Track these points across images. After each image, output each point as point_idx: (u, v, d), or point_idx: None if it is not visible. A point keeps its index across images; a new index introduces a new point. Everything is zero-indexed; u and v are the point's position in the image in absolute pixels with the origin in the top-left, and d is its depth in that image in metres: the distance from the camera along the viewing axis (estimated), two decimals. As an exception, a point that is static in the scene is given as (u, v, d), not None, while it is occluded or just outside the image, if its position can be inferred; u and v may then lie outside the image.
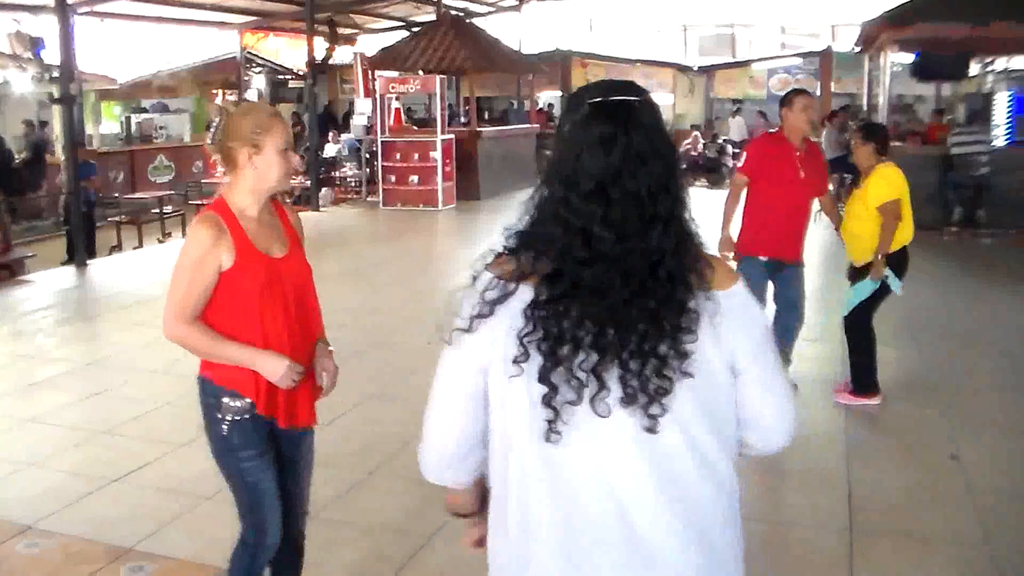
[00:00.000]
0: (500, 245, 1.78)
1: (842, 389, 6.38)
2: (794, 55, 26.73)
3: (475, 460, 1.82)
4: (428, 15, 21.48)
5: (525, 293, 1.67)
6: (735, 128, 23.45)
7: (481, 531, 1.92)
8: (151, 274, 11.31)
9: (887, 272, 5.94)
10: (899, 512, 4.75)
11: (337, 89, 26.83)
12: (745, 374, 1.75)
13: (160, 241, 14.48)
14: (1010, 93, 16.50)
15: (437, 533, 4.27)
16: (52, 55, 14.85)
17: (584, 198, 1.65)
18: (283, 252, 3.06)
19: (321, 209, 16.98)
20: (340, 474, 5.04)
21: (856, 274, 6.18)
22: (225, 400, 2.98)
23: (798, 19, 27.94)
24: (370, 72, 19.19)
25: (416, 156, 17.03)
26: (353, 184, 19.16)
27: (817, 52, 25.20)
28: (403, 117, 18.71)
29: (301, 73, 24.32)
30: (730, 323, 1.72)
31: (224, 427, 3.00)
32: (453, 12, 20.81)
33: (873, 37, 15.24)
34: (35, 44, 16.39)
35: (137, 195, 16.33)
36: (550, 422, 1.64)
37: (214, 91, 23.69)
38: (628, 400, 1.64)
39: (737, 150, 18.70)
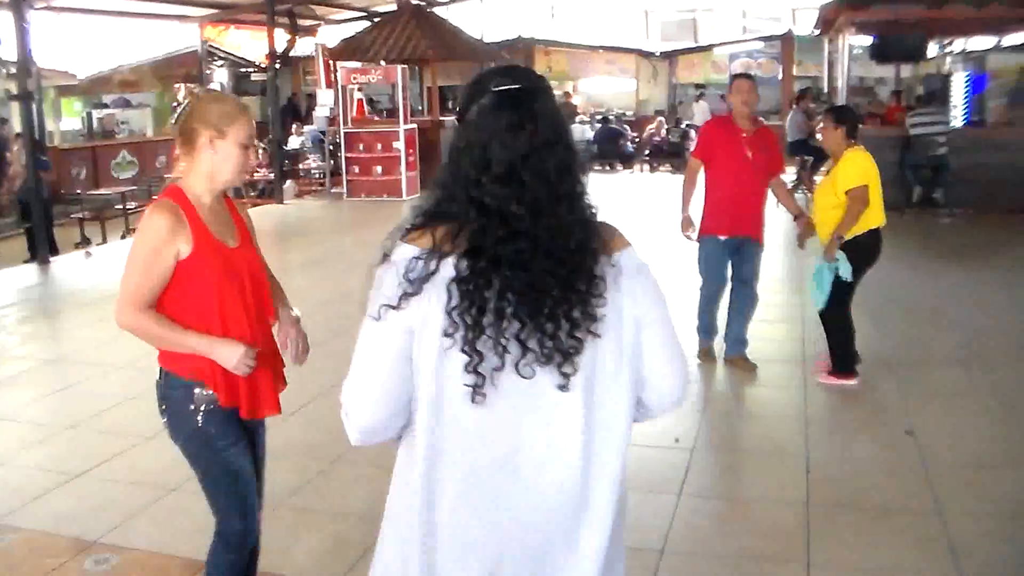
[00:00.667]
0: (408, 222, 1.87)
1: (822, 369, 6.45)
2: (756, 39, 26.80)
3: (400, 423, 1.89)
4: (389, 5, 21.39)
5: (446, 269, 1.76)
6: (699, 113, 23.49)
7: None
8: (114, 271, 11.25)
9: (839, 255, 6.00)
10: (856, 486, 4.85)
11: (300, 81, 26.70)
12: (646, 329, 1.88)
13: (123, 237, 14.34)
14: (967, 74, 16.74)
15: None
16: (8, 51, 14.66)
17: (497, 180, 1.77)
18: (236, 243, 3.06)
19: (285, 202, 16.95)
20: (304, 463, 5.08)
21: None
22: (197, 391, 2.94)
23: (759, 3, 28.04)
24: (332, 63, 19.12)
25: (379, 146, 17.04)
26: (317, 176, 19.08)
27: (778, 36, 25.29)
28: (366, 108, 18.67)
29: (263, 66, 24.22)
30: (629, 281, 1.86)
31: (199, 419, 2.96)
32: (414, 1, 20.73)
33: (831, 19, 15.41)
34: (-11, 40, 16.17)
35: (100, 191, 16.17)
36: (476, 386, 1.76)
37: (176, 85, 23.49)
38: (545, 360, 1.77)
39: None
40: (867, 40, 16.36)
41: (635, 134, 23.88)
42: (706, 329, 6.80)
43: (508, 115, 1.79)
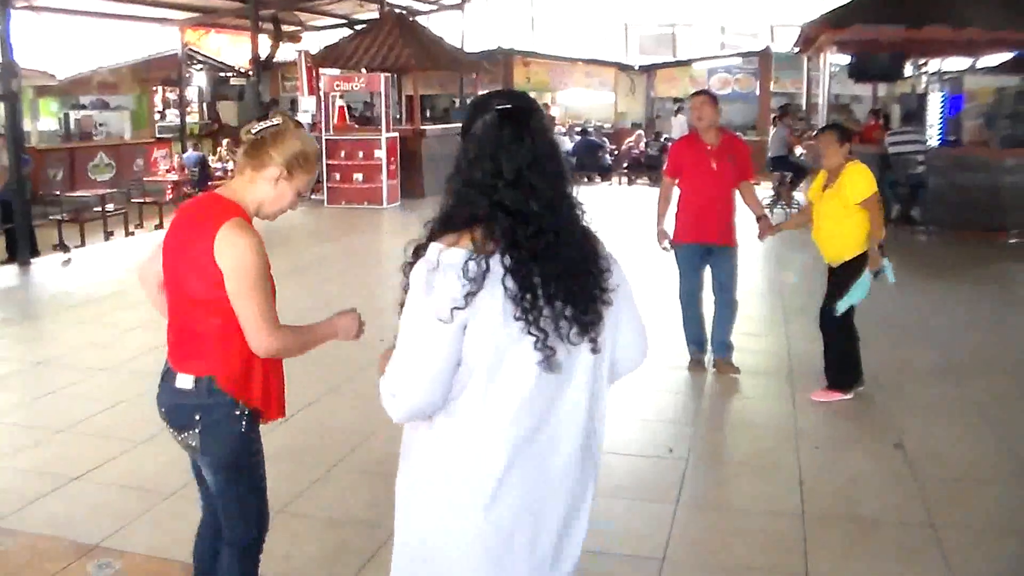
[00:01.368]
0: (433, 225, 2.13)
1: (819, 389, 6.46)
2: (734, 55, 27.02)
3: (443, 402, 2.10)
4: (372, 13, 21.41)
5: (495, 265, 2.02)
6: (677, 127, 23.59)
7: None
8: (96, 273, 11.20)
9: (884, 262, 6.14)
10: (848, 498, 4.93)
11: (279, 87, 26.64)
12: (621, 302, 2.22)
13: (105, 240, 14.21)
14: (943, 94, 16.96)
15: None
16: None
17: (509, 185, 2.05)
18: None
19: (265, 208, 16.83)
20: (300, 470, 5.08)
21: (832, 274, 6.36)
22: (241, 399, 2.90)
23: (738, 19, 28.28)
24: (314, 70, 19.11)
25: (361, 154, 17.05)
26: (298, 182, 18.96)
27: (756, 52, 25.57)
28: (347, 115, 18.66)
29: (242, 70, 24.14)
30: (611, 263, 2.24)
31: (242, 426, 2.91)
32: (396, 10, 20.78)
33: (813, 38, 15.58)
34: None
35: (78, 193, 16.03)
36: (548, 358, 2.05)
37: (154, 88, 23.39)
38: (582, 331, 2.10)
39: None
40: (845, 59, 16.58)
41: (613, 146, 24.01)
42: (697, 342, 7.02)
43: (510, 130, 2.08)
